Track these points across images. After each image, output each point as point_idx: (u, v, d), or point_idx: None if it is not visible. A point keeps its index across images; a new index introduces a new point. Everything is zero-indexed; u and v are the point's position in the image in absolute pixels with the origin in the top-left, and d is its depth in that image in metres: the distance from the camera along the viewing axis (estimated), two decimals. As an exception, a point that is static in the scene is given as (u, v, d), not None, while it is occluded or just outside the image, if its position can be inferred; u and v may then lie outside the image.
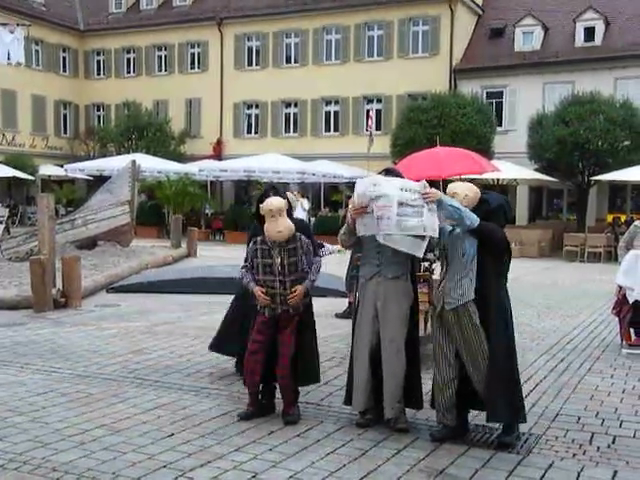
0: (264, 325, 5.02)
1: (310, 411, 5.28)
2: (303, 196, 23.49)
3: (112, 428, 4.82)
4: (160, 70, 35.61)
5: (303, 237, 4.98)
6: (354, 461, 4.33)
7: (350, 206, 4.76)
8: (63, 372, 6.37)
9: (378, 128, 28.16)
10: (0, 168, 29.77)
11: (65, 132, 37.21)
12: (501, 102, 28.75)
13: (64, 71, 37.00)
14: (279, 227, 4.84)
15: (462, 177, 19.25)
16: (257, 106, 33.45)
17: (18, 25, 15.59)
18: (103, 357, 6.99)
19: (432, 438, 4.70)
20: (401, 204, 4.53)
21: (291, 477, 4.05)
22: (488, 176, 20.51)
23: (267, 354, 5.02)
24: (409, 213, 4.53)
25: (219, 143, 33.82)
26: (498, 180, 24.23)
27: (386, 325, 4.87)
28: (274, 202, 4.88)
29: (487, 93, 28.76)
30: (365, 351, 4.91)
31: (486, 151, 23.20)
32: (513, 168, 23.28)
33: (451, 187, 4.81)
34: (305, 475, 4.08)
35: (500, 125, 27.75)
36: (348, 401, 5.10)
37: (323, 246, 5.42)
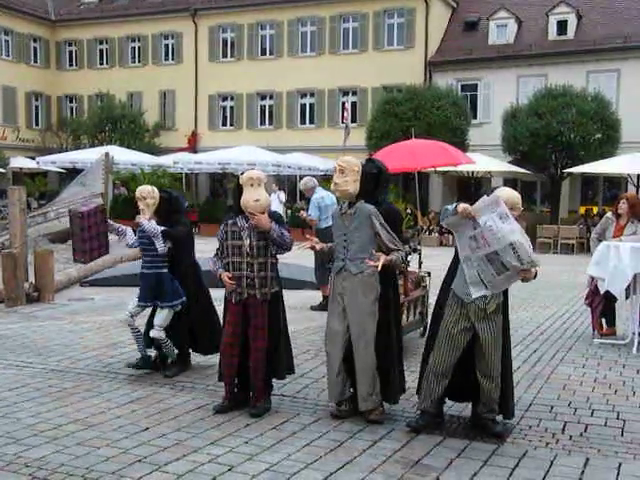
0: (234, 315, 4.99)
1: (286, 403, 5.28)
2: (280, 189, 23.44)
3: (86, 423, 4.78)
4: (134, 61, 35.22)
5: (274, 223, 4.88)
6: (330, 453, 4.34)
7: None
8: (36, 367, 6.30)
9: (354, 120, 28.17)
10: (-31, 160, 29.28)
11: (37, 124, 36.67)
12: (476, 95, 28.92)
13: (35, 62, 36.42)
14: (256, 195, 4.81)
15: (437, 169, 19.39)
16: (232, 98, 33.26)
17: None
18: (77, 351, 6.92)
19: (410, 428, 4.69)
20: (494, 255, 4.38)
21: (267, 469, 4.05)
22: (462, 168, 20.67)
23: (241, 345, 5.00)
24: (490, 267, 4.42)
25: (194, 135, 33.59)
26: (472, 172, 24.41)
27: (353, 320, 4.87)
28: (253, 171, 4.96)
29: (462, 86, 28.90)
30: (336, 344, 4.91)
31: (461, 143, 23.36)
32: (487, 160, 23.44)
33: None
34: (281, 467, 4.08)
35: (475, 118, 27.92)
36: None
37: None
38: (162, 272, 5.88)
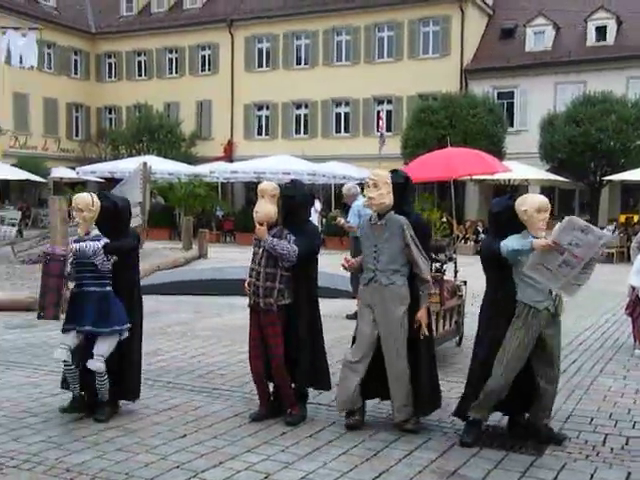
0: (251, 321, 5.10)
1: (322, 412, 5.29)
2: (315, 197, 23.49)
3: (125, 429, 4.85)
4: (171, 72, 35.76)
5: (290, 236, 4.91)
6: (366, 462, 4.33)
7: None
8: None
9: (389, 129, 28.17)
10: (13, 171, 29.95)
11: (77, 135, 37.43)
12: (512, 102, 28.68)
13: (76, 74, 37.22)
14: (257, 208, 4.96)
15: (473, 177, 19.26)
16: (267, 107, 33.52)
17: (30, 29, 15.69)
18: (116, 358, 7.02)
19: (464, 445, 4.57)
20: (589, 261, 4.43)
21: (303, 478, 4.06)
22: (499, 177, 20.51)
23: (263, 350, 5.02)
24: (586, 270, 4.48)
25: (230, 145, 33.91)
26: (509, 180, 24.17)
27: (384, 331, 4.85)
28: (262, 183, 5.08)
29: (498, 93, 28.68)
30: (363, 353, 4.88)
31: (497, 151, 23.17)
32: (524, 168, 23.20)
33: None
34: (317, 476, 4.09)
35: (511, 125, 27.68)
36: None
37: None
38: (106, 290, 4.98)
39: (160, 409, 5.32)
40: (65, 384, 5.15)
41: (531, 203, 4.52)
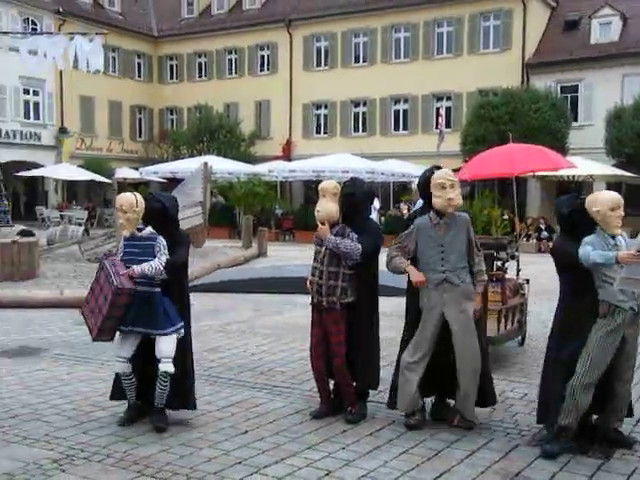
0: (313, 319, 5.13)
1: (382, 410, 5.27)
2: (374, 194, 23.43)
3: (189, 424, 4.95)
4: (231, 73, 36.22)
5: (353, 234, 4.91)
6: (427, 461, 4.31)
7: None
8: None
9: (448, 126, 27.85)
10: (79, 172, 30.92)
11: (140, 136, 38.32)
12: (576, 96, 27.92)
13: (139, 76, 38.11)
14: (319, 206, 4.99)
15: (535, 174, 18.85)
16: (326, 106, 33.59)
17: (97, 34, 16.14)
18: (179, 355, 7.16)
19: (545, 454, 4.40)
20: None
21: (364, 476, 4.06)
22: (562, 172, 20.00)
23: (325, 348, 5.04)
24: None
25: (288, 144, 34.13)
26: (573, 176, 23.57)
27: (459, 329, 4.81)
28: (323, 182, 5.09)
29: (561, 87, 27.98)
30: (424, 354, 4.85)
31: (560, 147, 22.60)
32: (589, 164, 22.57)
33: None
34: (378, 474, 4.09)
35: (575, 120, 26.96)
36: (392, 404, 5.06)
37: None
38: (155, 291, 4.77)
39: (222, 406, 5.40)
40: (117, 395, 5.03)
41: (603, 202, 4.40)
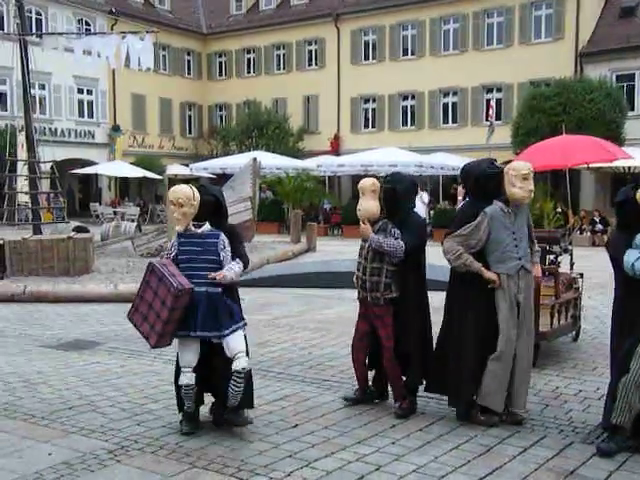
0: (361, 312, 5.19)
1: (432, 405, 5.23)
2: (422, 189, 23.27)
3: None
4: (279, 69, 36.38)
5: (396, 231, 4.91)
6: (478, 457, 4.26)
7: None
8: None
9: (498, 118, 27.39)
10: (131, 169, 31.55)
11: (190, 132, 38.85)
12: (633, 85, 27.13)
13: (188, 74, 38.62)
14: (360, 205, 4.99)
15: (589, 166, 18.42)
16: (374, 100, 33.45)
17: (147, 32, 16.39)
18: (229, 348, 7.24)
19: (600, 452, 4.29)
20: None
21: (414, 471, 4.04)
22: (618, 164, 19.46)
23: (370, 342, 5.11)
24: None
25: (336, 138, 34.12)
26: (629, 168, 22.93)
27: (526, 318, 4.84)
28: (364, 180, 5.05)
29: (617, 76, 27.22)
30: (511, 350, 4.77)
31: (616, 138, 22.01)
32: (647, 155, 21.92)
33: None
34: (429, 470, 4.06)
35: (632, 110, 26.20)
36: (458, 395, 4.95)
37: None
38: (219, 290, 4.50)
39: (272, 399, 5.44)
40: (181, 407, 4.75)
41: None
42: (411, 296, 5.02)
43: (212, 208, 4.58)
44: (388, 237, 4.89)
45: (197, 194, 4.51)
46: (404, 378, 5.07)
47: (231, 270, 4.47)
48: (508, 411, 4.89)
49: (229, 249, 4.56)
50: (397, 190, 5.00)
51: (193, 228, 4.54)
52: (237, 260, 4.57)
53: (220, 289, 4.48)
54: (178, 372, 4.66)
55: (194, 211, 4.48)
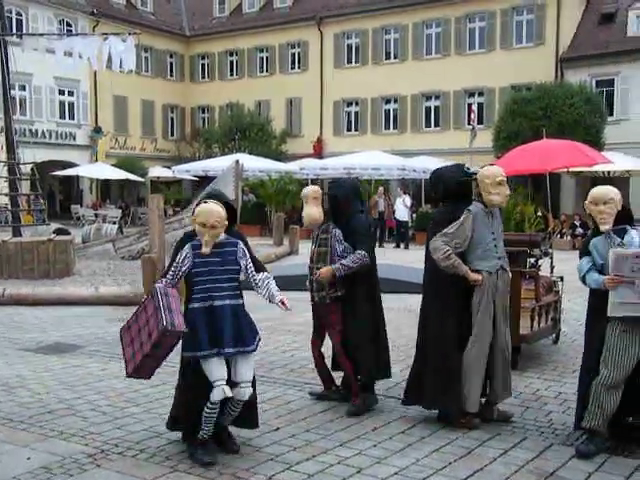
0: (313, 314, 5.47)
1: (413, 408, 5.24)
2: (405, 192, 23.35)
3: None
4: (262, 71, 36.36)
5: (338, 232, 5.16)
6: (459, 459, 4.28)
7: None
8: (175, 365, 6.58)
9: (480, 122, 27.56)
10: (113, 171, 31.35)
11: (172, 135, 38.69)
12: (612, 90, 27.45)
13: (171, 76, 38.49)
14: (304, 212, 5.28)
15: (570, 170, 18.59)
16: (357, 103, 33.53)
17: (130, 34, 16.32)
18: (211, 351, 7.21)
19: (579, 454, 4.32)
20: None
21: (396, 474, 4.05)
22: (598, 168, 19.66)
23: (322, 339, 5.42)
24: None
25: (319, 141, 34.15)
26: (609, 172, 23.18)
27: (502, 319, 4.90)
28: (304, 189, 5.35)
29: (596, 82, 27.53)
30: (486, 349, 4.83)
31: (596, 142, 22.24)
32: (626, 159, 22.19)
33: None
34: (410, 472, 4.07)
35: (611, 114, 26.51)
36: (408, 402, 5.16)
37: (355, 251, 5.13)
38: (240, 302, 4.32)
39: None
40: (176, 426, 4.44)
41: (594, 196, 4.40)
42: (360, 294, 5.20)
43: (229, 216, 4.25)
44: (334, 242, 5.13)
45: (224, 214, 4.14)
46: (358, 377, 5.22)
47: (275, 290, 4.41)
48: (498, 410, 4.96)
49: (249, 256, 4.30)
50: (338, 196, 5.27)
51: None
52: (266, 275, 4.39)
53: (242, 301, 4.28)
54: (188, 395, 4.29)
55: (222, 230, 4.17)
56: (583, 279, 4.43)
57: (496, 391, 4.94)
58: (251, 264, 4.32)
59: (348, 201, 5.28)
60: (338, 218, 5.25)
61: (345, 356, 5.18)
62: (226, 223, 4.15)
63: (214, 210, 4.09)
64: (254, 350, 4.23)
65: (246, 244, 4.39)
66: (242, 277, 4.31)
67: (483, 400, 4.98)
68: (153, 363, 4.15)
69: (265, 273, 4.40)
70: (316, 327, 5.46)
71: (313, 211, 5.22)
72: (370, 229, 5.56)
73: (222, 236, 4.21)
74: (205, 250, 4.11)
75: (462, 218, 4.83)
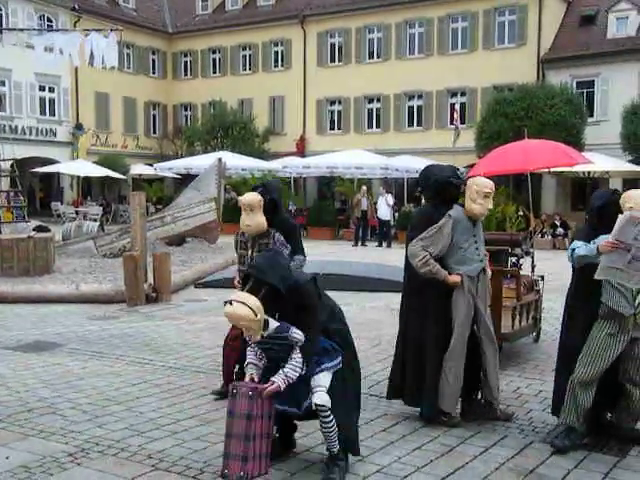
0: None
1: (395, 406, 5.26)
2: (387, 192, 23.41)
3: (203, 419, 4.97)
4: (245, 69, 36.26)
5: (278, 234, 5.14)
6: (441, 457, 4.30)
7: (610, 239, 4.21)
8: (155, 364, 6.60)
9: (463, 122, 27.69)
10: (94, 168, 31.09)
11: (154, 132, 38.47)
12: (592, 92, 27.70)
13: (153, 73, 38.26)
14: (247, 221, 5.12)
15: (551, 170, 18.76)
16: (340, 102, 33.56)
17: (112, 30, 16.21)
18: (193, 350, 7.20)
19: (554, 448, 4.38)
20: None
21: (378, 471, 4.06)
22: (578, 169, 19.86)
23: (243, 343, 5.09)
24: None
25: (302, 140, 34.13)
26: (589, 173, 23.41)
27: (483, 320, 4.92)
28: (247, 197, 5.15)
29: (577, 83, 27.78)
30: (464, 351, 4.84)
31: (576, 143, 22.46)
32: (605, 160, 22.41)
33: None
34: (392, 470, 4.08)
35: (591, 116, 26.75)
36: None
37: (298, 255, 5.28)
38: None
39: (236, 400, 5.40)
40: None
41: (637, 200, 4.31)
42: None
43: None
44: (280, 246, 5.04)
45: (258, 306, 3.72)
46: None
47: (284, 377, 3.81)
48: (500, 410, 5.00)
49: (300, 335, 3.81)
50: (276, 200, 5.28)
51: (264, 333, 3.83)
52: (294, 359, 3.84)
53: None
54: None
55: (260, 322, 3.74)
56: (572, 254, 4.38)
57: (492, 390, 4.93)
58: (301, 339, 3.82)
59: (281, 204, 5.41)
60: (274, 221, 5.24)
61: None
62: (257, 319, 3.70)
63: (233, 316, 3.76)
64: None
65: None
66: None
67: (459, 404, 5.00)
68: (236, 448, 3.79)
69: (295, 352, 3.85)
70: (240, 330, 5.35)
71: (262, 219, 5.12)
72: (298, 229, 5.71)
73: (272, 326, 3.80)
74: (255, 338, 3.83)
75: (441, 222, 4.82)
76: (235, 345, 5.33)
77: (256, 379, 3.90)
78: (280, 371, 3.80)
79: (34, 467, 4.04)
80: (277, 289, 3.78)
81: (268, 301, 3.76)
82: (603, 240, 4.26)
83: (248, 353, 4.01)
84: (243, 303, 3.69)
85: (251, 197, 5.13)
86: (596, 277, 4.28)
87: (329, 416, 3.84)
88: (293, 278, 3.93)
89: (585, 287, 4.51)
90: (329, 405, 3.82)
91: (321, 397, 3.83)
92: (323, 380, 3.90)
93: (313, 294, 3.97)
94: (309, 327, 3.85)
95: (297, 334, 3.78)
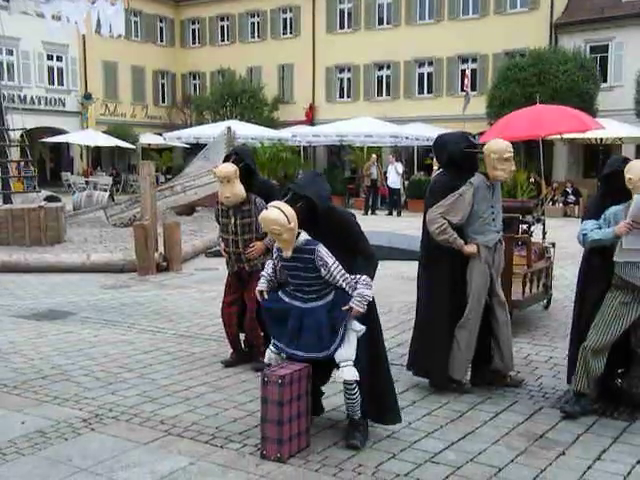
0: (230, 283, 5.51)
1: (405, 373, 5.27)
2: (397, 160, 23.27)
3: (214, 385, 5.01)
4: (253, 37, 35.88)
5: (258, 199, 5.18)
6: (451, 422, 4.33)
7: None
8: (167, 332, 6.65)
9: (473, 88, 27.36)
10: (104, 138, 31.05)
11: (163, 101, 38.28)
12: (606, 56, 27.23)
13: (161, 41, 37.94)
14: (226, 193, 5.13)
15: (563, 136, 18.57)
16: (349, 70, 33.20)
17: (118, -3, 16.06)
18: (204, 318, 7.24)
19: (565, 414, 4.41)
20: None
21: (389, 437, 4.10)
22: (590, 135, 19.60)
23: (240, 307, 5.45)
24: None
25: (311, 108, 33.88)
26: (601, 139, 23.15)
27: (498, 289, 4.93)
28: (222, 169, 5.13)
29: (590, 47, 27.30)
30: (479, 320, 4.85)
31: (589, 109, 22.13)
32: (618, 126, 22.12)
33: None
34: (402, 435, 4.12)
35: (605, 81, 26.34)
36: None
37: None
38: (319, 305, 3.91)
39: (247, 368, 5.45)
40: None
41: (635, 171, 4.24)
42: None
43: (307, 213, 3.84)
44: (257, 209, 5.04)
45: (291, 213, 3.69)
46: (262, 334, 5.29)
47: (360, 299, 3.78)
48: (510, 377, 5.03)
49: (332, 261, 3.76)
50: (250, 164, 5.34)
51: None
52: (361, 279, 3.82)
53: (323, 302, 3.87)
54: None
55: (295, 230, 3.71)
56: (584, 238, 4.35)
57: (505, 362, 4.93)
58: (337, 270, 3.78)
59: (256, 167, 5.46)
60: (252, 185, 5.30)
61: (258, 320, 5.19)
62: (291, 226, 3.67)
63: (267, 220, 3.71)
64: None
65: (352, 228, 3.96)
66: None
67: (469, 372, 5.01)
68: (271, 432, 3.82)
69: (358, 276, 3.83)
70: (234, 298, 5.45)
71: (240, 187, 5.12)
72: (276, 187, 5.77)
73: (303, 237, 3.79)
74: (287, 254, 3.78)
75: (462, 189, 4.75)
76: (232, 310, 5.46)
77: (266, 295, 4.00)
78: (355, 294, 3.77)
79: (49, 432, 4.11)
80: (313, 205, 3.79)
81: (305, 219, 3.78)
82: (612, 213, 4.26)
83: (267, 266, 4.08)
84: (278, 208, 3.70)
85: (226, 168, 5.12)
86: (615, 259, 4.27)
87: (354, 389, 3.86)
88: (332, 204, 4.00)
89: (599, 258, 4.48)
90: (357, 379, 3.82)
91: (349, 372, 3.80)
92: (348, 352, 3.82)
93: (354, 223, 3.98)
94: (361, 251, 3.92)
95: (325, 253, 3.74)
